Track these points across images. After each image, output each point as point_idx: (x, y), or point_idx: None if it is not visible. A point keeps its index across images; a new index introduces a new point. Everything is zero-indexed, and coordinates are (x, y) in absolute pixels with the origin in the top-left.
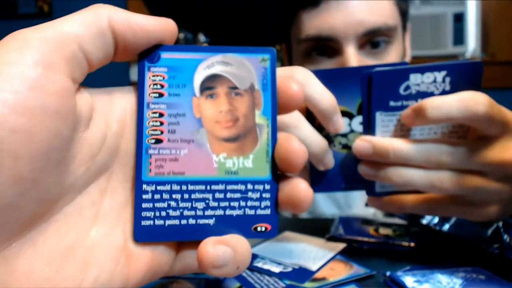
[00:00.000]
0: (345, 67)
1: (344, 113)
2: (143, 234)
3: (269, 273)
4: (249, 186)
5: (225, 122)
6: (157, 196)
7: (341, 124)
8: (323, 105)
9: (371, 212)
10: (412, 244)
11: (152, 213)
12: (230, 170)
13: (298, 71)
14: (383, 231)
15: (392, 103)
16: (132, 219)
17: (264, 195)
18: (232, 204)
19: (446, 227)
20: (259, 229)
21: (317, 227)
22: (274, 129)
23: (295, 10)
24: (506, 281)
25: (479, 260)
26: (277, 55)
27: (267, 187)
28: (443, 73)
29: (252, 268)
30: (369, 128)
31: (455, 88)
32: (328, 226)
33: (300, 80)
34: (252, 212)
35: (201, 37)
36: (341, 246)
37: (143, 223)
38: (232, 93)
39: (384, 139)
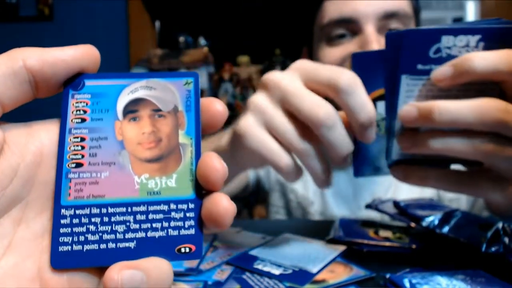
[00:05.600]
0: (381, 49)
1: None
2: (60, 261)
3: (269, 275)
4: (172, 206)
5: (148, 143)
6: (75, 221)
7: (372, 137)
8: (361, 118)
9: (378, 215)
10: (412, 246)
11: (70, 238)
12: (152, 191)
13: (344, 75)
14: (383, 233)
15: (420, 66)
16: (49, 247)
17: (188, 214)
18: (154, 225)
19: (446, 229)
20: (182, 250)
21: (317, 229)
22: (198, 148)
23: (320, 1)
24: (506, 283)
25: (479, 262)
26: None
27: (191, 206)
28: (477, 37)
29: (252, 270)
30: (392, 92)
31: None
32: (328, 228)
33: (345, 87)
34: (175, 232)
35: (201, 41)
36: (341, 248)
37: (61, 249)
38: (155, 115)
39: (428, 101)
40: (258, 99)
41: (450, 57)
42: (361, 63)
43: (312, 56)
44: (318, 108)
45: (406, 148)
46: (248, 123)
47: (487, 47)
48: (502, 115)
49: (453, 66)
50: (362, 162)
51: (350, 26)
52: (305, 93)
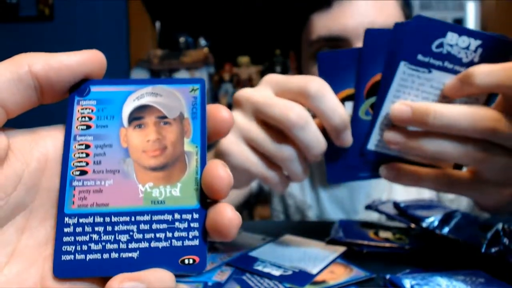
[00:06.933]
0: (354, 48)
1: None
2: (63, 270)
3: (269, 276)
4: (176, 216)
5: (153, 151)
6: (79, 229)
7: (349, 140)
8: (334, 121)
9: (375, 217)
10: (412, 247)
11: (73, 247)
12: (156, 200)
13: (313, 81)
14: (383, 234)
15: (420, 57)
16: (52, 256)
17: (192, 224)
18: (158, 235)
19: (446, 230)
20: (186, 261)
21: (317, 230)
22: (204, 156)
23: (308, 14)
24: (506, 284)
25: (479, 263)
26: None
27: (195, 216)
28: (478, 42)
29: (252, 271)
30: (386, 80)
31: (483, 62)
32: (328, 229)
33: (314, 92)
34: (179, 243)
35: (202, 41)
36: (341, 249)
37: (64, 258)
38: (160, 122)
39: (423, 103)
40: (233, 115)
41: (449, 55)
42: (327, 64)
43: (301, 67)
44: (288, 110)
45: (393, 144)
46: (229, 141)
47: (484, 55)
48: (495, 124)
49: (459, 81)
50: (334, 168)
51: (340, 44)
52: (275, 99)
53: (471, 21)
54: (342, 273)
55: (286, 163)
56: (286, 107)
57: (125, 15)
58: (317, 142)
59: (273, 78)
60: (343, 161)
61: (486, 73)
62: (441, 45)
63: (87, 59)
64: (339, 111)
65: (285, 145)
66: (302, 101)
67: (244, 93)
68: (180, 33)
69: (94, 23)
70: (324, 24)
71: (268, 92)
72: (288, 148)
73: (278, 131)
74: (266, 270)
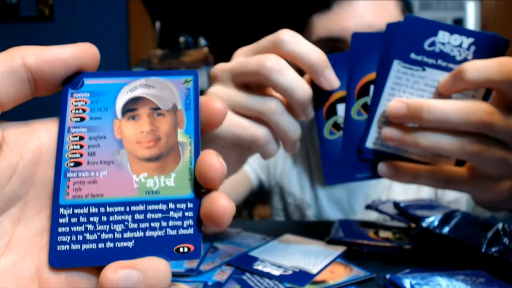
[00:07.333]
0: (343, 52)
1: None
2: (58, 260)
3: (269, 276)
4: (171, 205)
5: (146, 142)
6: (74, 220)
7: (335, 79)
8: (311, 59)
9: (373, 217)
10: (412, 247)
11: (69, 238)
12: (151, 190)
13: (283, 32)
14: (383, 234)
15: (413, 55)
16: (48, 246)
17: (186, 213)
18: (152, 224)
19: (446, 230)
20: (181, 250)
21: (317, 230)
22: (197, 146)
23: (308, 15)
24: (506, 284)
25: (479, 263)
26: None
27: (190, 205)
28: (470, 40)
29: (252, 271)
30: (380, 78)
31: (478, 59)
32: (328, 229)
33: (287, 39)
34: (174, 232)
35: (202, 41)
36: (341, 249)
37: (59, 248)
38: (154, 113)
39: (418, 99)
40: (213, 89)
41: (442, 53)
42: None
43: None
44: (263, 60)
45: (391, 140)
46: None
47: (477, 52)
48: (488, 117)
49: (452, 77)
50: (331, 169)
51: (340, 45)
52: (248, 58)
53: (471, 21)
54: (342, 273)
55: (274, 116)
56: (261, 57)
57: (125, 15)
58: (298, 84)
59: (243, 48)
60: (340, 162)
61: (477, 68)
62: (433, 44)
63: (81, 52)
64: (314, 49)
65: (269, 97)
66: (276, 52)
67: (218, 66)
68: (180, 33)
69: (94, 23)
70: (324, 25)
71: (241, 58)
72: (273, 99)
73: (259, 88)
74: (266, 269)
